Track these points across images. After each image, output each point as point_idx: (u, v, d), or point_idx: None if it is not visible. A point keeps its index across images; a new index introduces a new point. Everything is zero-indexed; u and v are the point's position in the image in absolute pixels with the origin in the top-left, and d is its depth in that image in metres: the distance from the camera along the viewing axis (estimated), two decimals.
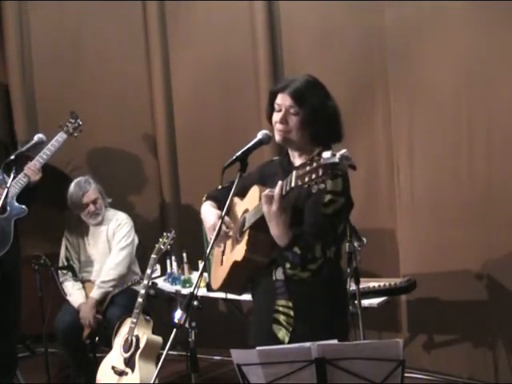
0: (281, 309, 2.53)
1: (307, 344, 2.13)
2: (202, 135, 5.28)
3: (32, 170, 4.26)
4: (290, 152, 2.61)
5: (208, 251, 2.49)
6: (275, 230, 2.38)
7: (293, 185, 2.21)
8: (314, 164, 2.11)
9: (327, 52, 4.71)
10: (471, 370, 4.36)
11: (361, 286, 3.74)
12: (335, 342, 2.16)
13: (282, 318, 2.52)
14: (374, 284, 4.06)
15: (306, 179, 2.13)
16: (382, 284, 4.06)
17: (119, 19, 5.36)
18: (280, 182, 2.31)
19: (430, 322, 4.53)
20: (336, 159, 2.06)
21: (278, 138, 2.53)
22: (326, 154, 2.07)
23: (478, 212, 4.22)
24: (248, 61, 5.01)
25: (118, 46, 5.36)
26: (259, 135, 2.54)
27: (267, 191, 2.35)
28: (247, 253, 2.49)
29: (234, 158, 2.44)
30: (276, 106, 2.53)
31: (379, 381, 2.13)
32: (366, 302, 3.88)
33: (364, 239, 3.64)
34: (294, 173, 2.21)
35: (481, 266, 4.25)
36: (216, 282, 2.74)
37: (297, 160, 2.58)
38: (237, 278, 2.63)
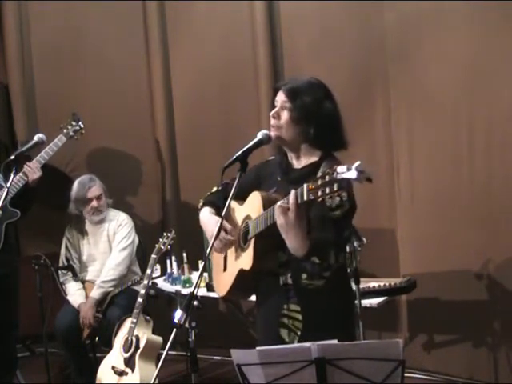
0: (289, 313, 2.51)
1: (307, 344, 2.12)
2: (202, 135, 5.28)
3: (31, 168, 4.24)
4: (289, 154, 2.59)
5: (208, 251, 2.49)
6: (293, 241, 2.31)
7: (305, 198, 2.17)
8: (327, 178, 2.07)
9: (327, 52, 4.71)
10: (471, 370, 4.35)
11: (361, 286, 3.74)
12: (335, 341, 2.16)
13: (289, 322, 2.51)
14: (374, 284, 4.06)
15: (320, 193, 2.09)
16: (381, 284, 4.06)
17: (119, 19, 5.36)
18: (293, 191, 2.25)
19: (429, 322, 4.53)
20: (353, 175, 2.01)
21: (271, 134, 2.53)
22: (341, 169, 2.03)
23: (478, 212, 4.22)
24: (248, 60, 5.01)
25: (118, 45, 5.36)
26: (259, 135, 2.54)
27: (280, 202, 2.28)
28: (255, 262, 2.47)
29: (234, 158, 2.43)
30: (275, 103, 2.55)
31: (379, 381, 2.13)
32: (366, 302, 3.88)
33: (364, 239, 3.64)
34: (305, 186, 2.17)
35: (481, 266, 4.25)
36: (221, 289, 2.73)
37: (295, 161, 2.57)
38: (244, 284, 2.62)
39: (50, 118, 5.05)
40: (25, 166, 4.21)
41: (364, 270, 4.06)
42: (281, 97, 2.52)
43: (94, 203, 4.50)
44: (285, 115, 2.49)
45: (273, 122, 2.52)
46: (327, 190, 2.07)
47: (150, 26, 5.34)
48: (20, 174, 4.18)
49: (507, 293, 4.20)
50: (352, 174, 2.01)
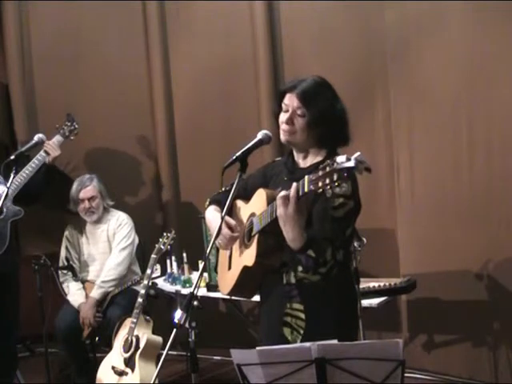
0: (292, 312, 2.52)
1: (307, 344, 2.12)
2: (202, 135, 5.28)
3: (51, 145, 4.35)
4: (295, 153, 2.60)
5: (208, 251, 2.49)
6: (290, 232, 2.32)
7: (306, 190, 2.19)
8: (328, 169, 2.09)
9: (327, 52, 4.71)
10: (471, 370, 4.35)
11: (361, 286, 3.74)
12: (335, 341, 2.16)
13: (292, 320, 2.52)
14: (374, 284, 4.06)
15: (320, 184, 2.11)
16: (382, 284, 4.06)
17: (119, 19, 5.36)
18: (295, 184, 2.26)
19: (430, 322, 4.53)
20: (352, 163, 2.04)
21: (282, 138, 2.52)
22: (341, 159, 2.05)
23: (478, 212, 4.22)
24: (248, 61, 5.01)
25: (118, 45, 5.36)
26: (259, 135, 2.54)
27: (283, 193, 2.29)
28: (258, 258, 2.47)
29: (234, 158, 2.43)
30: (283, 106, 2.52)
31: (379, 381, 2.13)
32: (366, 302, 3.88)
33: (364, 239, 3.64)
34: (307, 177, 2.18)
35: (481, 266, 4.25)
36: (225, 287, 2.72)
37: (301, 161, 2.57)
38: (247, 282, 2.62)
39: (50, 118, 5.04)
40: (45, 143, 4.31)
41: (364, 270, 4.07)
42: (293, 102, 2.48)
43: (86, 204, 4.52)
44: (299, 121, 2.47)
45: (286, 127, 2.49)
46: (327, 181, 2.09)
47: (150, 26, 5.34)
48: (41, 152, 4.34)
49: (507, 293, 4.19)
50: (351, 164, 2.04)
